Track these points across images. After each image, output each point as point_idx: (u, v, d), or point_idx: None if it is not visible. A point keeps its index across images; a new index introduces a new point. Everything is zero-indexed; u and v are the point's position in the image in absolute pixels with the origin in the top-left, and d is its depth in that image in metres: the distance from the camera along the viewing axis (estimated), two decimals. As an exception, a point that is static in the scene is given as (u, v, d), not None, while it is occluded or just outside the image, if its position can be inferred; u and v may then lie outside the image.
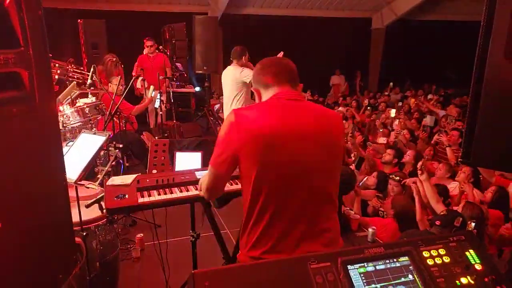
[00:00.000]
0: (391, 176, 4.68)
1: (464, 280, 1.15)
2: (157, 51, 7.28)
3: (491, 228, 3.67)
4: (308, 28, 11.76)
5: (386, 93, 10.76)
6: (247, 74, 4.78)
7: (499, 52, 1.78)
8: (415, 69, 12.10)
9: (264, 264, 1.12)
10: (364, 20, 12.70)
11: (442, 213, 3.67)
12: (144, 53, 7.32)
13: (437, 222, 3.55)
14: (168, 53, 7.94)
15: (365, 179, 4.74)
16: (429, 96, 9.93)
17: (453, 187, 4.56)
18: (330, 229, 1.59)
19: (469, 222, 2.98)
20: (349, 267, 1.12)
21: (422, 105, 8.81)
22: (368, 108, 8.98)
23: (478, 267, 1.18)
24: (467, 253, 1.21)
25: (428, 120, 7.21)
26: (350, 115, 8.33)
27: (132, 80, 4.92)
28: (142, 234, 3.77)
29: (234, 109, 1.58)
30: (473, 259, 1.20)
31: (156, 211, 2.50)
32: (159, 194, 2.18)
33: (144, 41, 7.29)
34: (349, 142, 6.02)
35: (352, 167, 4.94)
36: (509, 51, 1.75)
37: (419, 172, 4.44)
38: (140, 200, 2.09)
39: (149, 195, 2.16)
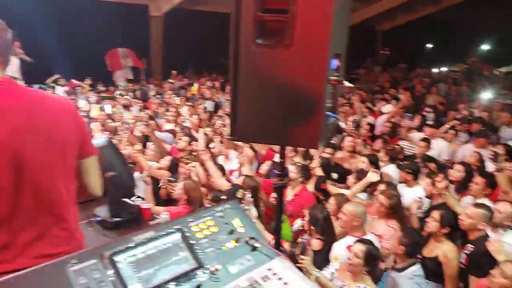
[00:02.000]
0: (181, 160, 4.84)
1: (230, 245, 1.25)
2: None
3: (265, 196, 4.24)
4: (82, 9, 10.74)
5: (171, 81, 10.99)
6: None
7: (249, 38, 2.00)
8: (197, 57, 12.73)
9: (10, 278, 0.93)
10: (141, 6, 12.48)
11: (227, 188, 4.03)
12: None
13: (222, 197, 3.87)
14: None
15: (158, 165, 4.76)
16: (208, 83, 10.67)
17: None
18: (64, 231, 1.41)
19: (244, 193, 3.34)
20: (116, 259, 1.05)
21: (203, 91, 9.40)
22: (156, 96, 9.00)
23: (241, 230, 1.31)
24: (232, 220, 1.32)
25: (208, 106, 7.73)
26: (137, 104, 8.16)
27: None
28: None
29: None
30: (237, 224, 1.32)
31: None
32: None
33: None
34: (144, 130, 5.89)
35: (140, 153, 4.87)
36: (256, 36, 1.99)
37: (202, 152, 4.74)
38: None
39: None
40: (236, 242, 1.27)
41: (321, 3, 1.89)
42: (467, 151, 5.53)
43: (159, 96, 9.20)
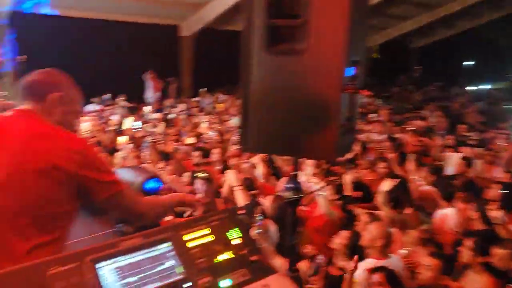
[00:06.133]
0: (196, 174, 4.77)
1: (224, 256, 1.17)
2: None
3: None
4: (113, 32, 11.22)
5: (197, 99, 11.18)
6: None
7: (260, 45, 1.94)
8: (228, 76, 12.88)
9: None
10: (171, 27, 12.86)
11: (246, 203, 3.93)
12: None
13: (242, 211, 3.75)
14: None
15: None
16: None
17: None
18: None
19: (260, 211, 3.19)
20: (98, 265, 0.99)
21: (230, 108, 9.50)
22: (183, 113, 9.15)
23: (238, 241, 1.22)
24: (229, 230, 1.24)
25: (233, 122, 7.73)
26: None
27: None
28: None
29: None
30: (234, 235, 1.24)
31: None
32: None
33: None
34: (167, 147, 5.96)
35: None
36: (268, 43, 1.93)
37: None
38: None
39: None
40: (232, 253, 1.18)
41: (336, 7, 1.81)
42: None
43: (185, 113, 9.34)
